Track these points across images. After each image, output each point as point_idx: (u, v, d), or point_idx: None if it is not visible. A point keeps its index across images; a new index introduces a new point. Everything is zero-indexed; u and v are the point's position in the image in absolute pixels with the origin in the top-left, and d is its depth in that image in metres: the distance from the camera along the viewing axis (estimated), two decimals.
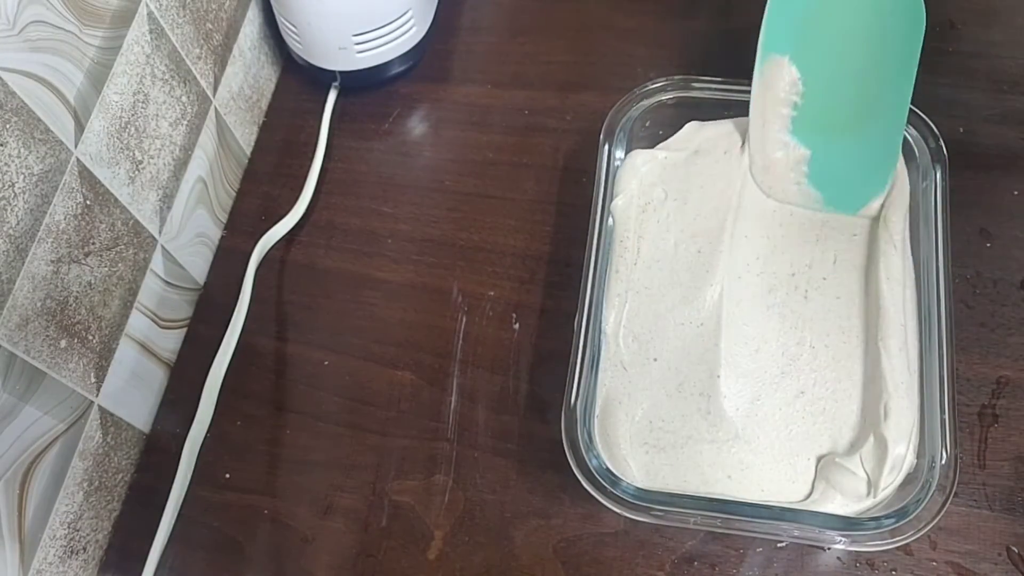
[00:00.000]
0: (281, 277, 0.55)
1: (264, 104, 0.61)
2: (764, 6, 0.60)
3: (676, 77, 0.50)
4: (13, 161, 0.38)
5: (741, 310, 0.45)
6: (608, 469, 0.41)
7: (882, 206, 0.46)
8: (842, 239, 0.46)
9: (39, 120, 0.39)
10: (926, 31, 0.38)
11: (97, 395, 0.46)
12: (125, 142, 0.46)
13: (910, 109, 0.46)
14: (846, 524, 0.39)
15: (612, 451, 0.42)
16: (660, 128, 0.50)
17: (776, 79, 0.40)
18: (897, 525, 0.38)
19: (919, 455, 0.40)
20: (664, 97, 0.49)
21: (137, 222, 0.48)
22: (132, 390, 0.50)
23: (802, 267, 0.46)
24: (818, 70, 0.39)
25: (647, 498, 0.40)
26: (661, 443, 0.42)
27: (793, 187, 0.42)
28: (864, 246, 0.46)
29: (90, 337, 0.45)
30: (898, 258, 0.44)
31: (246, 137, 0.59)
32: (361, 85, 0.60)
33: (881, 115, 0.40)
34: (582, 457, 0.40)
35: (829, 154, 0.42)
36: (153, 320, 0.51)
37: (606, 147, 0.48)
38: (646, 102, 0.49)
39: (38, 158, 0.40)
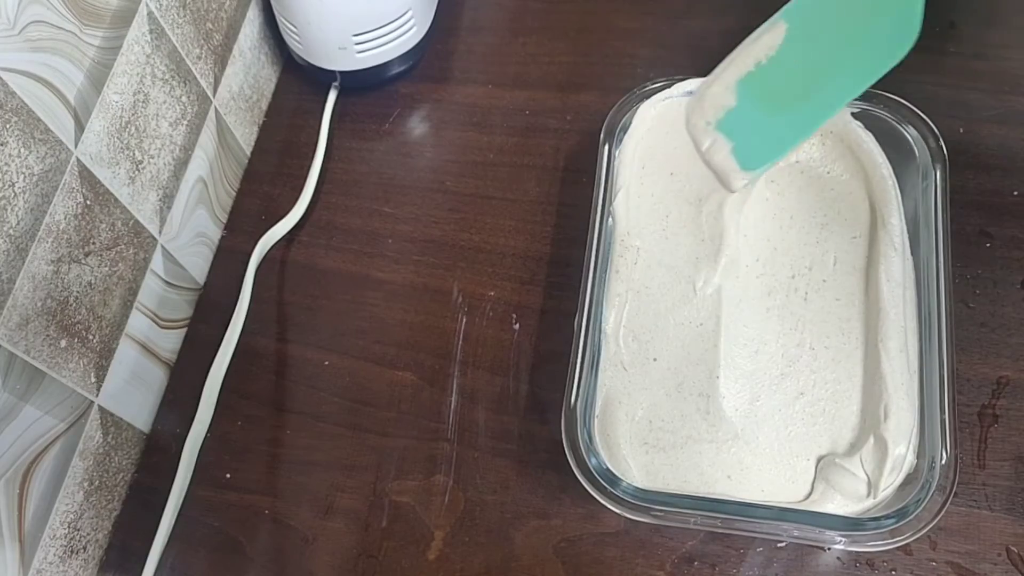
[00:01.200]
0: (281, 277, 0.55)
1: (264, 104, 0.61)
2: (763, 7, 0.60)
3: (676, 77, 0.50)
4: (13, 161, 0.38)
5: (741, 311, 0.45)
6: (608, 469, 0.41)
7: (871, 204, 0.46)
8: (842, 241, 0.46)
9: (39, 120, 0.39)
10: (918, 40, 0.39)
11: (97, 395, 0.46)
12: (125, 142, 0.46)
13: (912, 109, 0.46)
14: (846, 524, 0.39)
15: (612, 451, 0.42)
16: None
17: (765, 37, 0.40)
18: (897, 525, 0.38)
19: (919, 455, 0.40)
20: (664, 97, 0.50)
21: (137, 222, 0.48)
22: (132, 390, 0.50)
23: (802, 269, 0.46)
24: (796, 46, 0.40)
25: (647, 498, 0.40)
26: (661, 443, 0.42)
27: (703, 123, 0.42)
28: (864, 248, 0.46)
29: (90, 337, 0.45)
30: (898, 260, 0.44)
31: (246, 137, 0.59)
32: (361, 85, 0.60)
33: (810, 105, 0.40)
34: (582, 457, 0.40)
35: (745, 116, 0.41)
36: (153, 320, 0.51)
37: (606, 147, 0.48)
38: (646, 102, 0.49)
39: (38, 158, 0.40)
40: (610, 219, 0.47)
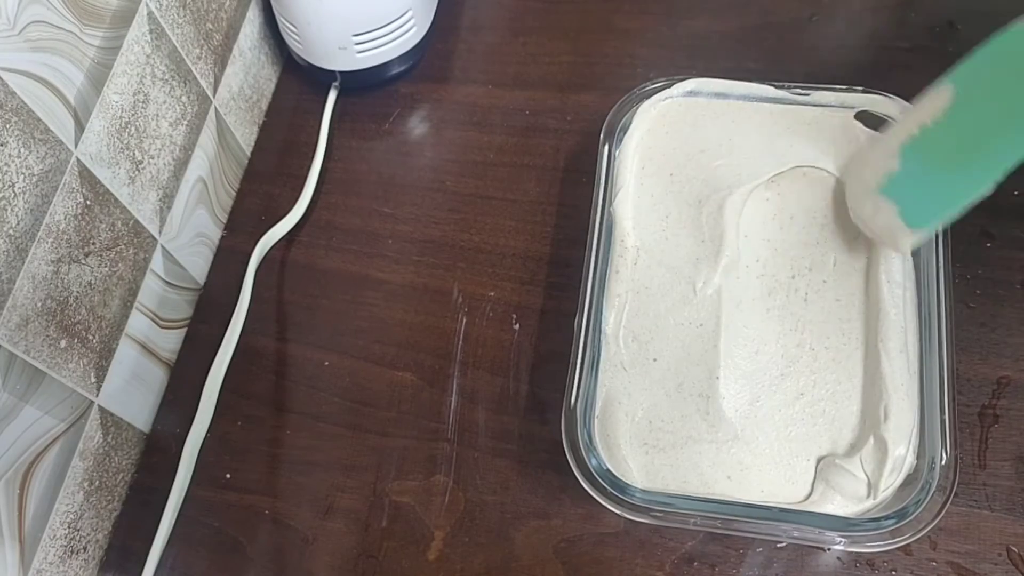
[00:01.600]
0: (281, 277, 0.55)
1: (264, 104, 0.61)
2: (763, 6, 0.60)
3: (676, 77, 0.50)
4: (13, 161, 0.38)
5: (741, 312, 0.45)
6: (608, 470, 0.41)
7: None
8: (842, 242, 0.46)
9: (39, 120, 0.39)
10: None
11: (97, 395, 0.46)
12: (125, 142, 0.46)
13: None
14: (846, 525, 0.39)
15: (612, 452, 0.42)
16: None
17: (929, 102, 0.40)
18: (897, 526, 0.38)
19: (919, 456, 0.40)
20: (664, 97, 0.50)
21: (137, 222, 0.48)
22: (132, 390, 0.50)
23: (802, 270, 0.46)
24: (964, 107, 0.39)
25: (647, 498, 0.40)
26: (661, 443, 0.42)
27: (863, 190, 0.43)
28: (864, 249, 0.46)
29: (90, 337, 0.45)
30: (898, 260, 0.44)
31: (246, 137, 0.59)
32: (361, 85, 0.60)
33: (981, 164, 0.39)
34: (582, 458, 0.40)
35: (910, 177, 0.41)
36: (153, 320, 0.51)
37: (606, 147, 0.48)
38: (646, 102, 0.49)
39: (38, 158, 0.40)
40: (610, 219, 0.47)
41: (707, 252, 0.46)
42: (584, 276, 0.45)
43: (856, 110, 0.48)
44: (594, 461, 0.40)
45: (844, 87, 0.48)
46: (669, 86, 0.49)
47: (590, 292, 0.44)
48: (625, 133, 0.49)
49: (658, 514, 0.39)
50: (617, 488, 0.40)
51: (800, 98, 0.49)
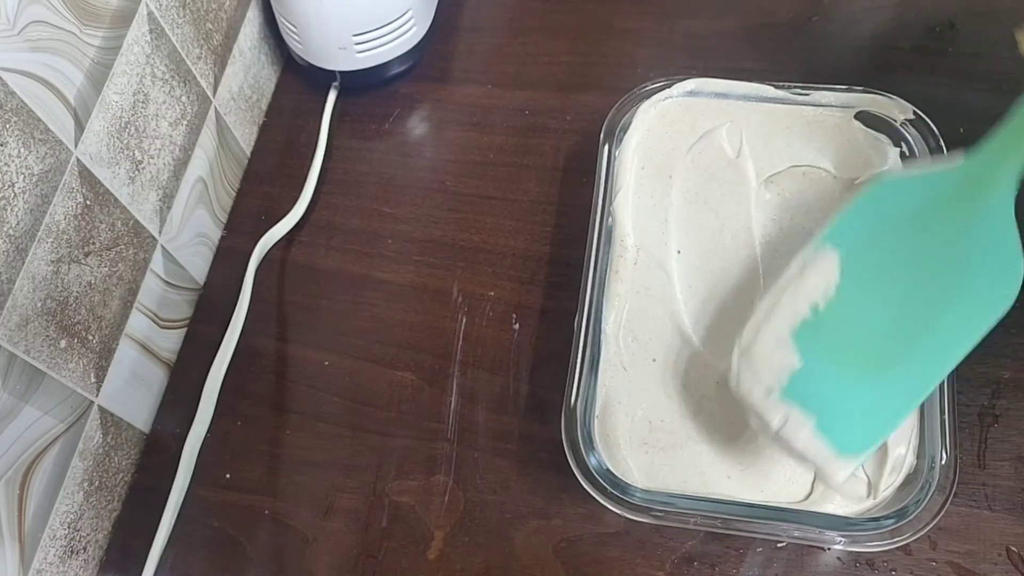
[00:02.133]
0: (281, 277, 0.55)
1: (264, 104, 0.61)
2: (763, 6, 0.60)
3: (676, 77, 0.50)
4: (13, 161, 0.38)
5: None
6: (608, 469, 0.41)
7: None
8: None
9: (39, 120, 0.39)
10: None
11: (97, 395, 0.46)
12: (125, 142, 0.46)
13: (912, 109, 0.46)
14: (846, 524, 0.39)
15: (612, 451, 0.42)
16: None
17: (814, 271, 0.33)
18: (897, 525, 0.38)
19: (919, 456, 0.40)
20: (664, 97, 0.50)
21: (137, 222, 0.48)
22: (132, 390, 0.50)
23: None
24: (862, 287, 0.32)
25: (647, 498, 0.40)
26: (661, 443, 0.42)
27: (761, 390, 0.35)
28: None
29: (90, 337, 0.45)
30: None
31: (246, 137, 0.59)
32: (361, 85, 0.60)
33: (907, 369, 0.33)
34: (582, 457, 0.40)
35: (819, 378, 0.33)
36: (153, 320, 0.51)
37: (606, 147, 0.48)
38: (646, 102, 0.49)
39: (38, 158, 0.40)
40: (610, 219, 0.47)
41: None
42: (584, 276, 0.45)
43: (856, 110, 0.48)
44: (594, 461, 0.41)
45: (844, 87, 0.48)
46: (669, 86, 0.50)
47: (590, 292, 0.44)
48: (625, 133, 0.49)
49: (658, 514, 0.39)
50: (617, 488, 0.40)
51: (800, 98, 0.49)
